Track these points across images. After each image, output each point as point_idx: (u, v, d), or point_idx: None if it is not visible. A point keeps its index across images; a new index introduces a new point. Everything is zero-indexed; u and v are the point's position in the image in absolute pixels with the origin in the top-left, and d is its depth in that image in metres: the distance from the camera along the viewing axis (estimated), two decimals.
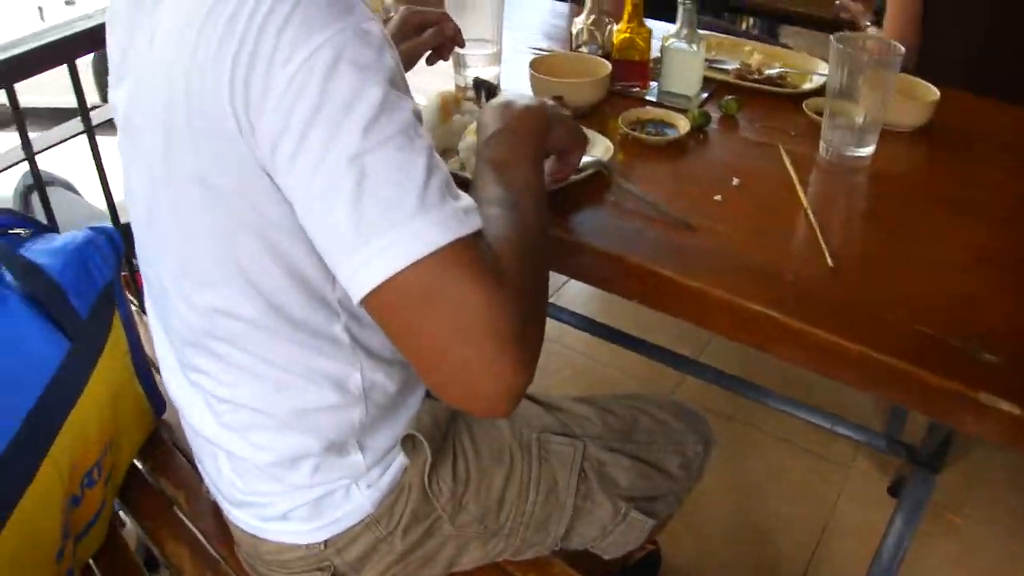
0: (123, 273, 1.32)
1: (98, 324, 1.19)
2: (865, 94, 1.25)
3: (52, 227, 1.27)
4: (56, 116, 2.35)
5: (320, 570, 1.06)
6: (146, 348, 1.32)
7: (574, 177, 1.17)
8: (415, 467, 1.05)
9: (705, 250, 1.08)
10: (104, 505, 1.24)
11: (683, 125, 1.36)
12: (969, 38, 1.80)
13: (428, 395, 1.07)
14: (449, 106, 1.27)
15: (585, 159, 1.20)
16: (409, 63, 1.38)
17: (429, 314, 0.71)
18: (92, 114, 1.59)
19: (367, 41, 0.73)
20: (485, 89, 1.39)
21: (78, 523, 1.17)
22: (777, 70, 1.57)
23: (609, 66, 1.46)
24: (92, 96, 2.55)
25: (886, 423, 2.13)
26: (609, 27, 1.55)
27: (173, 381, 1.07)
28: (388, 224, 0.70)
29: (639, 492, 1.19)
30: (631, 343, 2.03)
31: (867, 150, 1.29)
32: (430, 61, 1.41)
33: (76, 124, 1.55)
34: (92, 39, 1.48)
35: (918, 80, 1.45)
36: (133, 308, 1.36)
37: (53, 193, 3.01)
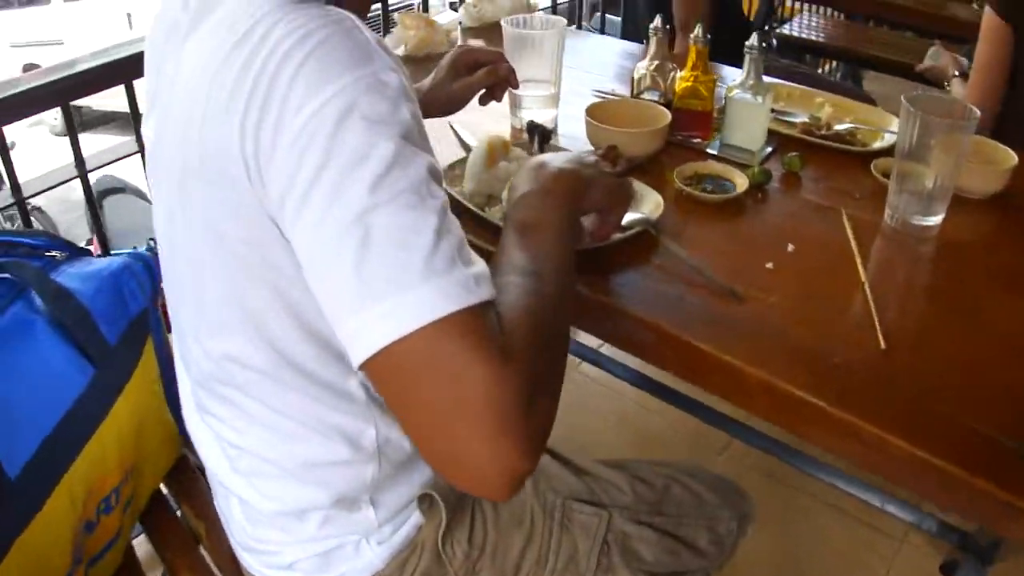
0: (162, 300, 1.32)
1: (127, 350, 1.18)
2: (937, 157, 1.17)
3: (103, 241, 1.26)
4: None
5: None
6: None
7: (617, 236, 1.13)
8: (430, 527, 1.01)
9: (748, 323, 1.03)
10: (121, 530, 1.23)
11: (741, 182, 1.30)
12: None
13: None
14: (496, 151, 1.23)
15: (631, 216, 1.15)
16: (460, 103, 1.36)
17: (426, 386, 0.67)
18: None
19: (382, 93, 0.70)
20: (539, 133, 1.35)
21: (92, 548, 1.16)
22: (847, 126, 1.50)
23: (669, 115, 1.41)
24: None
25: None
26: (672, 74, 1.50)
27: (191, 420, 1.05)
28: (390, 289, 0.66)
29: (664, 568, 1.13)
30: (679, 400, 1.96)
31: (935, 218, 1.22)
32: (483, 101, 1.39)
33: (131, 144, 1.55)
34: None
35: (996, 144, 1.37)
36: (170, 335, 1.35)
37: (123, 200, 3.09)
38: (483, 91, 1.38)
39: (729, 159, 1.40)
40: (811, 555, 1.98)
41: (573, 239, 0.90)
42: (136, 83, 1.49)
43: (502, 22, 1.48)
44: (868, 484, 1.73)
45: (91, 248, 1.28)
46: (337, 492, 0.94)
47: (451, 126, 1.52)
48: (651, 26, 1.50)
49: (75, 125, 1.42)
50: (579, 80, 1.76)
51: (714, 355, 0.97)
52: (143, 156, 1.58)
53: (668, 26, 1.50)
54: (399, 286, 0.66)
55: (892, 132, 1.46)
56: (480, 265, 0.72)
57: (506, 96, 1.46)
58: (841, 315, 1.05)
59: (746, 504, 1.25)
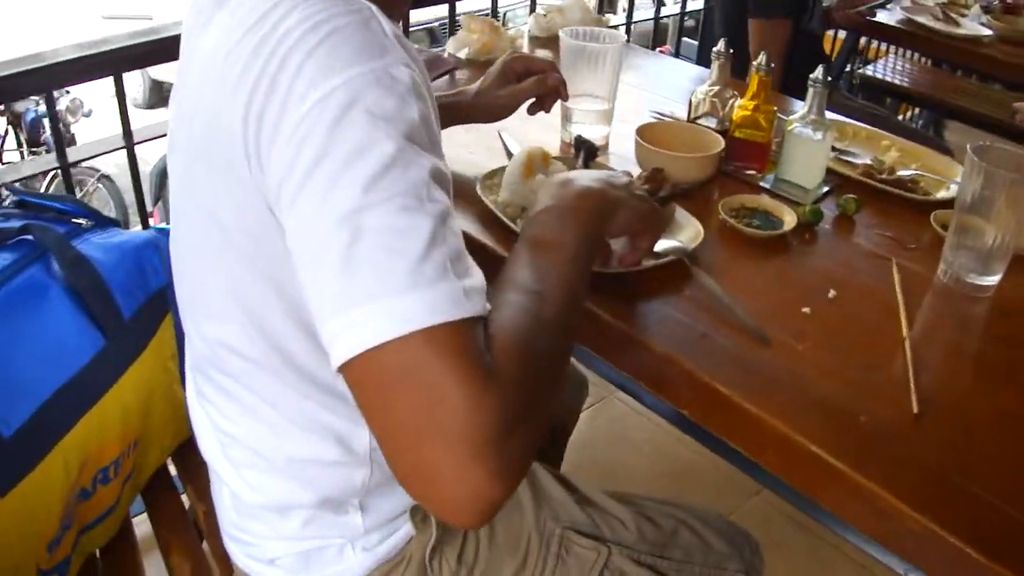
0: None
1: (142, 325, 1.17)
2: (1000, 213, 1.10)
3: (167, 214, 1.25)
4: None
5: None
6: None
7: (648, 262, 1.08)
8: (420, 540, 0.98)
9: (774, 370, 0.97)
10: (118, 502, 1.22)
11: (790, 220, 1.24)
12: None
13: None
14: (535, 163, 1.19)
15: (667, 244, 1.11)
16: (507, 110, 1.34)
17: (400, 399, 0.63)
18: None
19: (391, 88, 0.67)
20: (585, 149, 1.31)
21: (85, 516, 1.16)
22: (911, 172, 1.43)
23: (722, 143, 1.36)
24: None
25: None
26: (732, 100, 1.44)
27: (191, 403, 1.03)
28: (372, 294, 0.63)
29: None
30: (710, 441, 1.89)
31: (992, 278, 1.14)
32: (531, 111, 1.36)
33: None
34: None
35: None
36: None
37: None
38: (533, 100, 1.35)
39: (782, 195, 1.35)
40: None
41: (589, 262, 0.85)
42: None
43: (560, 32, 1.44)
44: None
45: (149, 218, 1.27)
46: (323, 493, 0.92)
47: (499, 134, 1.49)
48: (714, 50, 1.45)
49: (124, 96, 1.41)
50: (640, 99, 1.72)
51: (732, 400, 0.92)
52: None
53: (732, 51, 1.45)
54: (381, 292, 0.63)
55: (958, 183, 1.39)
56: (476, 278, 0.68)
57: (558, 108, 1.42)
58: (875, 371, 0.99)
59: (756, 558, 1.18)
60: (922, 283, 1.16)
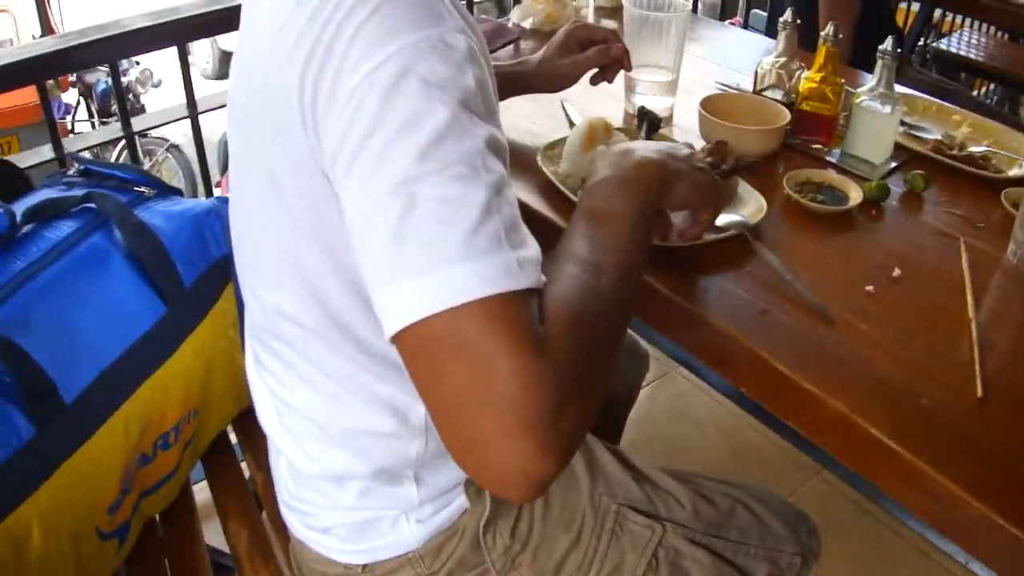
0: None
1: (203, 293, 1.19)
2: None
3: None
4: None
5: None
6: None
7: (709, 236, 1.06)
8: (474, 513, 0.98)
9: (835, 349, 0.95)
10: (178, 468, 1.24)
11: (855, 195, 1.21)
12: None
13: None
14: (597, 134, 1.17)
15: (729, 218, 1.09)
16: (569, 80, 1.32)
17: (451, 371, 0.63)
18: None
19: (446, 56, 0.66)
20: (648, 120, 1.29)
21: (146, 480, 1.18)
22: (983, 148, 1.38)
23: (788, 116, 1.33)
24: None
25: None
26: (799, 72, 1.41)
27: (250, 372, 1.04)
28: (425, 264, 0.63)
29: None
30: (770, 420, 1.87)
31: None
32: (593, 81, 1.34)
33: None
34: None
35: None
36: None
37: None
38: (596, 71, 1.33)
39: (848, 170, 1.31)
40: None
41: (648, 234, 0.84)
42: None
43: (624, 1, 1.42)
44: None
45: (216, 187, 1.29)
46: (379, 464, 0.92)
47: (562, 104, 1.47)
48: (780, 20, 1.41)
49: (188, 66, 1.43)
50: (705, 70, 1.69)
51: (792, 379, 0.90)
52: None
53: (800, 21, 1.41)
54: (434, 262, 0.62)
55: None
56: (531, 249, 0.67)
57: (621, 78, 1.40)
58: (939, 354, 0.96)
59: (814, 540, 1.16)
60: (990, 263, 1.13)
